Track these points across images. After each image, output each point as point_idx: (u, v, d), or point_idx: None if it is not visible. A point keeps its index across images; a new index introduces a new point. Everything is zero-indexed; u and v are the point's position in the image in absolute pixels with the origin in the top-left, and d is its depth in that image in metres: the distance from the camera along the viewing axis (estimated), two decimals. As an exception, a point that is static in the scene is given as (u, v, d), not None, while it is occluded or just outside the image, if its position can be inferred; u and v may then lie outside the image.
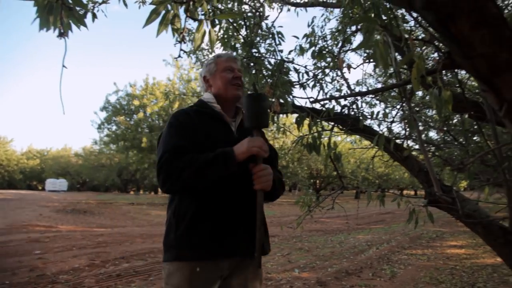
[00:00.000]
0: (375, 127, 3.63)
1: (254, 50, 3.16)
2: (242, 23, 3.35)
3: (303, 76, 3.20)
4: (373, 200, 2.33)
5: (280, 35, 3.27)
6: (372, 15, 2.25)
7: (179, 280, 1.43)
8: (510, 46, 0.93)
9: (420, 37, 3.80)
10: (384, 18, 2.21)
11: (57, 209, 15.17)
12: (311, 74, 3.26)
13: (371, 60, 3.55)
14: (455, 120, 4.84)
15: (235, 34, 3.38)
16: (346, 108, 3.07)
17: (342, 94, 3.53)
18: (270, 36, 3.31)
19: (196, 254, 1.43)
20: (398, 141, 3.48)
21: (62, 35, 1.40)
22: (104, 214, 15.25)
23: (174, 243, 1.46)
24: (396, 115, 3.79)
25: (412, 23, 3.53)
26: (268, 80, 3.01)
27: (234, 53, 3.14)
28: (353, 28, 3.47)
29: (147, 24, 1.29)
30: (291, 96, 2.92)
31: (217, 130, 1.56)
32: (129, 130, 23.56)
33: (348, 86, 3.47)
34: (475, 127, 3.05)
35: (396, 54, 3.01)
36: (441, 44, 2.24)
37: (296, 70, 3.16)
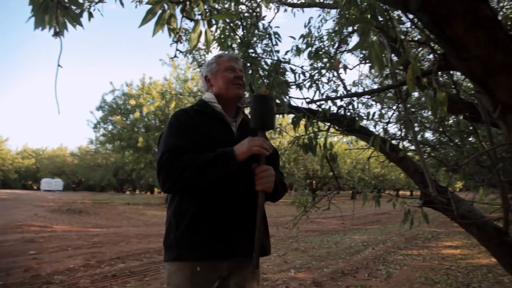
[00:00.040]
0: (371, 128, 3.64)
1: (250, 51, 3.16)
2: (239, 23, 3.34)
3: (299, 77, 3.20)
4: (369, 201, 2.34)
5: (276, 36, 3.28)
6: (369, 16, 2.26)
7: (180, 280, 1.43)
8: (504, 48, 0.94)
9: (416, 38, 3.81)
10: (381, 19, 2.22)
11: (52, 209, 15.10)
12: (307, 74, 3.26)
13: (367, 61, 3.56)
14: (450, 121, 4.87)
15: (231, 34, 3.38)
16: (342, 108, 3.07)
17: (338, 94, 3.53)
18: (267, 36, 3.31)
19: (196, 254, 1.42)
20: (394, 141, 3.50)
21: (57, 34, 1.39)
22: (99, 214, 15.20)
23: (175, 243, 1.46)
24: (392, 116, 3.80)
25: (408, 24, 3.54)
26: (265, 80, 3.01)
27: (236, 52, 3.14)
28: (350, 29, 3.47)
29: (143, 24, 1.29)
30: (287, 97, 2.92)
31: (218, 130, 1.56)
32: (125, 130, 23.45)
33: (344, 87, 3.48)
34: (471, 128, 3.07)
35: (392, 55, 3.02)
36: (436, 46, 2.25)
37: (293, 71, 3.16)
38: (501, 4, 3.40)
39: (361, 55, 4.09)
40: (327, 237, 9.42)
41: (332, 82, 3.64)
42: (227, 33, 3.35)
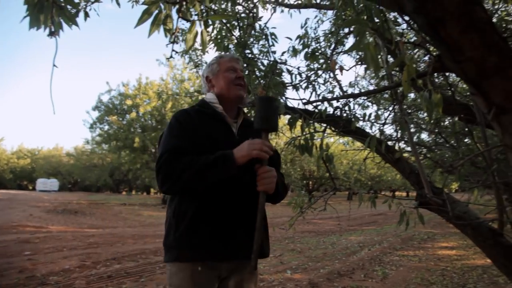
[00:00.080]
0: (368, 129, 3.65)
1: (247, 51, 3.16)
2: (236, 23, 3.35)
3: (296, 78, 3.21)
4: (365, 202, 2.35)
5: (273, 36, 3.28)
6: (365, 17, 2.26)
7: (182, 280, 1.43)
8: (498, 50, 0.94)
9: (412, 40, 3.83)
10: (377, 20, 2.22)
11: (48, 210, 15.02)
12: (304, 75, 3.27)
13: (363, 63, 3.57)
14: (446, 122, 4.89)
15: (228, 34, 3.38)
16: (339, 109, 3.08)
17: (335, 95, 3.54)
18: (264, 37, 3.32)
19: (196, 254, 1.42)
20: (390, 143, 3.50)
21: (52, 34, 1.39)
22: (95, 215, 15.13)
23: (174, 244, 1.45)
24: (388, 117, 3.81)
25: (404, 26, 3.55)
26: (261, 81, 3.02)
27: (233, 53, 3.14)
28: (346, 30, 3.48)
29: (139, 24, 1.29)
30: (283, 97, 2.93)
31: (218, 130, 1.56)
32: (122, 130, 23.38)
33: (341, 88, 3.49)
34: (466, 129, 3.09)
35: (389, 56, 3.03)
36: (432, 47, 2.26)
37: (289, 72, 3.17)
38: (496, 7, 3.42)
39: (357, 56, 4.10)
40: (324, 238, 9.44)
41: (328, 83, 3.66)
42: (223, 34, 3.35)
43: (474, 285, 4.77)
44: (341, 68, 2.81)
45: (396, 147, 3.12)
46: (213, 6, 3.33)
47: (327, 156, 2.46)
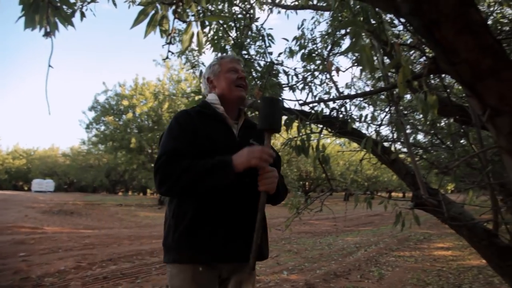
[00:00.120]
0: (364, 130, 3.66)
1: (244, 52, 3.16)
2: (232, 24, 3.35)
3: (292, 79, 3.21)
4: (361, 203, 2.35)
5: (270, 37, 3.29)
6: (361, 18, 2.27)
7: (183, 282, 1.43)
8: (493, 52, 0.95)
9: (408, 41, 3.85)
10: (373, 22, 2.23)
11: (43, 210, 14.96)
12: (300, 76, 3.27)
13: (359, 64, 3.58)
14: (442, 123, 4.91)
15: (225, 35, 3.38)
16: (335, 110, 3.08)
17: (331, 97, 3.55)
18: (260, 38, 3.32)
19: (195, 257, 1.42)
20: (386, 144, 3.51)
21: (48, 34, 1.38)
22: (91, 216, 15.08)
23: (174, 245, 1.45)
24: (384, 118, 3.82)
25: (400, 27, 3.57)
26: (258, 82, 3.02)
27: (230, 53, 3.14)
28: (343, 31, 3.49)
29: (135, 25, 1.28)
30: (280, 98, 2.93)
31: (218, 132, 1.56)
32: (118, 131, 23.30)
33: (337, 89, 3.49)
34: (462, 130, 3.11)
35: (385, 57, 3.04)
36: (428, 49, 2.27)
37: (286, 73, 3.18)
38: (491, 9, 3.44)
39: (354, 58, 4.11)
40: (320, 239, 9.45)
41: (325, 84, 3.66)
42: (220, 34, 3.35)
43: (470, 285, 4.80)
44: (338, 69, 2.82)
45: (393, 148, 3.13)
46: (210, 7, 3.33)
47: (323, 157, 2.47)
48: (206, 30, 3.38)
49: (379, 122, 3.57)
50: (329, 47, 3.67)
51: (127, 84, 24.79)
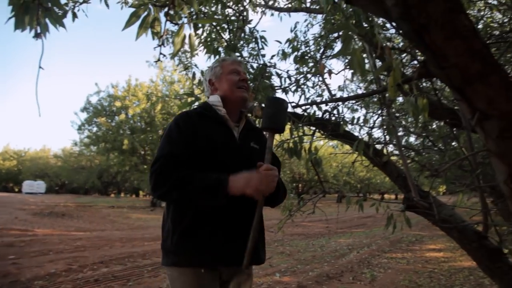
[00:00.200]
0: (356, 133, 3.67)
1: (237, 54, 3.16)
2: (226, 26, 3.35)
3: (285, 81, 3.22)
4: (352, 205, 2.36)
5: (263, 40, 3.29)
6: (353, 22, 2.29)
7: (183, 284, 1.43)
8: (482, 57, 0.96)
9: (400, 44, 3.88)
10: (365, 25, 2.25)
11: (34, 212, 14.76)
12: (293, 79, 3.28)
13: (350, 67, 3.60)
14: (434, 126, 4.95)
15: (218, 37, 3.38)
16: (327, 113, 3.10)
17: (324, 99, 3.56)
18: (253, 40, 3.33)
19: (195, 260, 1.42)
20: (378, 146, 3.53)
21: (38, 36, 1.37)
22: (83, 218, 14.93)
23: (173, 248, 1.44)
24: (376, 120, 3.85)
25: (392, 30, 3.60)
26: (251, 84, 3.02)
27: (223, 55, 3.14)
28: (335, 34, 3.51)
29: (127, 27, 1.28)
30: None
31: (219, 134, 1.55)
32: (110, 132, 23.14)
33: (329, 92, 3.51)
34: (453, 133, 3.14)
35: (377, 60, 3.07)
36: (419, 53, 2.29)
37: (278, 75, 3.18)
38: (481, 13, 3.49)
39: (346, 60, 4.14)
40: (313, 241, 9.47)
41: (317, 86, 3.68)
42: (213, 36, 3.35)
43: (461, 286, 4.84)
44: (330, 72, 2.83)
45: (385, 151, 3.15)
46: (203, 9, 3.33)
47: (315, 159, 2.48)
48: (199, 32, 3.38)
49: (371, 125, 3.59)
50: (321, 50, 3.68)
51: (120, 85, 24.63)
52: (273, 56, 3.32)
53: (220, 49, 3.27)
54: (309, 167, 2.65)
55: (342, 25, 1.28)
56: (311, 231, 11.85)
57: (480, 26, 3.35)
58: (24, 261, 5.68)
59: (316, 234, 11.11)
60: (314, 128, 3.04)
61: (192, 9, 2.96)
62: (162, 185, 1.38)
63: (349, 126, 3.49)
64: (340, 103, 3.20)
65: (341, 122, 2.98)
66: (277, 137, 2.03)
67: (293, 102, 2.93)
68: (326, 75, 3.20)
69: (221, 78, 1.67)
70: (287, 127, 2.44)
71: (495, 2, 3.40)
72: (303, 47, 3.65)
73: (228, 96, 1.64)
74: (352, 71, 3.38)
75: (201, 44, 3.41)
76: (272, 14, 4.78)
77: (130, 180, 27.11)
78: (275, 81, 3.20)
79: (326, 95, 3.65)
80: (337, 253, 7.53)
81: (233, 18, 3.49)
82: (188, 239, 1.42)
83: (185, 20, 1.41)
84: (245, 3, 3.71)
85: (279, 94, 3.19)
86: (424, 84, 3.84)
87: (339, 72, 3.45)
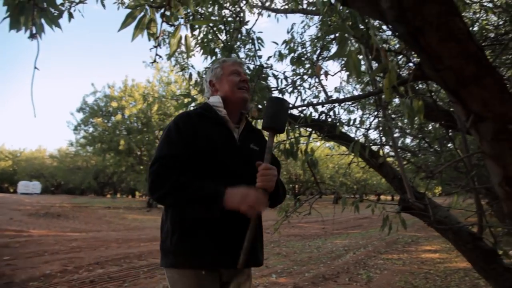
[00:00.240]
0: (352, 134, 3.68)
1: (233, 55, 3.16)
2: (222, 27, 3.35)
3: (281, 82, 3.22)
4: (348, 207, 2.37)
5: (259, 41, 3.30)
6: (349, 23, 2.29)
7: (184, 285, 1.43)
8: (476, 60, 0.97)
9: (397, 46, 3.89)
10: (362, 27, 2.26)
11: (29, 213, 14.69)
12: (289, 80, 3.29)
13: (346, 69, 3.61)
14: (430, 127, 4.98)
15: (215, 38, 3.38)
16: (324, 114, 3.10)
17: (320, 100, 3.57)
18: (250, 41, 3.33)
19: (194, 262, 1.42)
20: (374, 147, 3.55)
21: (33, 36, 1.36)
22: (78, 218, 14.87)
23: (172, 249, 1.44)
24: (372, 121, 3.86)
25: (389, 32, 3.61)
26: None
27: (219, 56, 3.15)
28: (331, 35, 3.52)
29: (122, 28, 1.27)
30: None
31: (219, 135, 1.54)
32: (107, 132, 23.09)
33: (326, 93, 3.52)
34: (448, 135, 3.16)
35: (374, 62, 3.08)
36: (414, 55, 2.30)
37: (275, 76, 3.19)
38: (477, 16, 3.51)
39: (342, 62, 4.15)
40: (309, 242, 9.47)
41: (314, 88, 3.69)
42: (210, 37, 3.35)
43: (456, 287, 4.86)
44: (326, 73, 2.84)
45: (381, 152, 3.15)
46: (200, 10, 3.33)
47: (311, 161, 2.48)
48: (196, 32, 3.38)
49: (367, 126, 3.60)
50: (318, 51, 3.69)
51: (117, 85, 24.55)
52: (269, 57, 3.33)
53: (217, 50, 3.27)
54: (305, 168, 2.65)
55: (338, 27, 1.28)
56: (307, 232, 11.86)
57: (475, 28, 3.37)
58: (19, 262, 5.65)
59: (313, 235, 11.11)
60: (310, 130, 3.04)
61: (188, 10, 2.96)
62: (160, 188, 1.38)
63: (346, 128, 3.51)
64: (336, 104, 3.21)
65: (338, 124, 2.99)
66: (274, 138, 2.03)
67: (289, 103, 2.93)
68: (322, 77, 3.21)
69: (222, 79, 1.67)
70: (284, 128, 2.45)
71: (491, 5, 3.42)
72: (299, 48, 3.66)
73: (229, 97, 1.63)
74: (348, 73, 3.39)
75: (197, 45, 3.41)
76: (269, 15, 4.80)
77: (126, 180, 27.02)
78: (272, 82, 3.20)
79: (322, 96, 3.66)
80: (333, 254, 7.53)
81: (229, 19, 3.49)
82: (188, 240, 1.42)
83: (182, 21, 1.42)
84: (242, 4, 3.71)
85: (276, 95, 3.19)
86: (420, 86, 3.86)
87: (335, 74, 3.45)
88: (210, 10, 3.46)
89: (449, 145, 4.65)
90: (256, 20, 4.33)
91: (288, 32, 3.64)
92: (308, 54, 3.67)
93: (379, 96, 2.64)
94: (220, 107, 1.61)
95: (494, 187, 1.20)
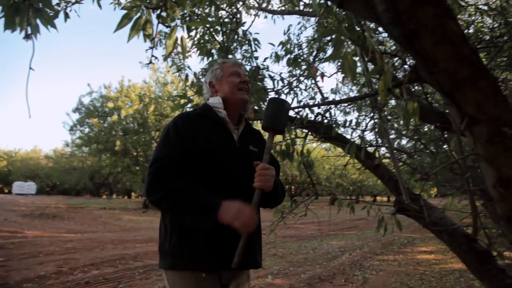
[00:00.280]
0: (349, 135, 3.69)
1: (230, 56, 3.16)
2: (219, 28, 3.35)
3: (278, 84, 3.23)
4: (344, 208, 2.37)
5: (256, 42, 3.30)
6: (346, 25, 2.30)
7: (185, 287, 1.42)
8: (470, 62, 0.97)
9: (393, 48, 3.91)
10: (358, 29, 2.26)
11: (24, 214, 14.61)
12: (285, 81, 3.29)
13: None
14: (426, 129, 4.99)
15: (211, 39, 3.38)
16: (320, 116, 3.11)
17: (316, 102, 3.58)
18: (246, 42, 3.33)
19: (194, 264, 1.41)
20: (370, 149, 3.55)
21: (28, 37, 1.35)
22: (74, 219, 14.81)
23: (170, 251, 1.44)
24: (368, 123, 3.87)
25: (385, 34, 3.63)
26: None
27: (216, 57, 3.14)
28: (328, 37, 3.53)
29: (118, 29, 1.27)
30: (265, 103, 2.94)
31: (218, 136, 1.54)
32: (103, 133, 23.03)
33: (322, 94, 3.53)
34: (444, 136, 3.17)
35: (370, 64, 3.09)
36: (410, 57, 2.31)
37: (271, 77, 3.19)
38: (472, 18, 3.53)
39: (338, 64, 4.16)
40: (305, 243, 9.48)
41: (310, 89, 3.69)
42: (206, 38, 3.35)
43: (451, 288, 4.89)
44: (322, 75, 2.84)
45: (376, 154, 3.16)
46: (196, 10, 3.33)
47: (307, 162, 2.49)
48: (193, 33, 3.38)
49: (363, 128, 3.61)
50: (314, 53, 3.70)
51: (113, 86, 24.51)
52: (266, 58, 3.33)
53: (213, 51, 3.27)
54: (301, 169, 2.66)
55: (334, 29, 1.28)
56: (303, 233, 11.87)
57: (471, 31, 3.39)
58: (13, 264, 5.62)
59: (309, 236, 11.12)
60: (306, 131, 3.05)
61: (185, 11, 2.96)
62: (157, 191, 1.38)
63: (341, 129, 3.52)
64: (332, 106, 3.22)
65: (333, 125, 3.00)
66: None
67: (290, 104, 2.94)
68: (318, 78, 3.22)
69: (222, 80, 1.67)
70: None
71: (486, 8, 3.45)
72: (296, 49, 3.66)
73: (229, 98, 1.63)
74: (343, 75, 3.40)
75: (194, 46, 3.40)
76: (265, 17, 4.81)
77: (122, 181, 26.91)
78: (268, 83, 3.21)
79: (318, 98, 3.67)
80: (329, 255, 7.55)
81: (226, 20, 3.49)
82: (186, 243, 1.41)
83: (178, 22, 1.42)
84: (238, 5, 3.71)
85: (273, 96, 3.20)
86: (416, 88, 3.87)
87: (331, 75, 3.47)
88: (206, 11, 3.46)
89: (444, 146, 4.67)
90: (253, 21, 4.34)
91: (284, 34, 3.65)
92: (305, 56, 3.67)
93: (375, 98, 2.64)
94: (220, 108, 1.61)
95: (488, 188, 1.21)
